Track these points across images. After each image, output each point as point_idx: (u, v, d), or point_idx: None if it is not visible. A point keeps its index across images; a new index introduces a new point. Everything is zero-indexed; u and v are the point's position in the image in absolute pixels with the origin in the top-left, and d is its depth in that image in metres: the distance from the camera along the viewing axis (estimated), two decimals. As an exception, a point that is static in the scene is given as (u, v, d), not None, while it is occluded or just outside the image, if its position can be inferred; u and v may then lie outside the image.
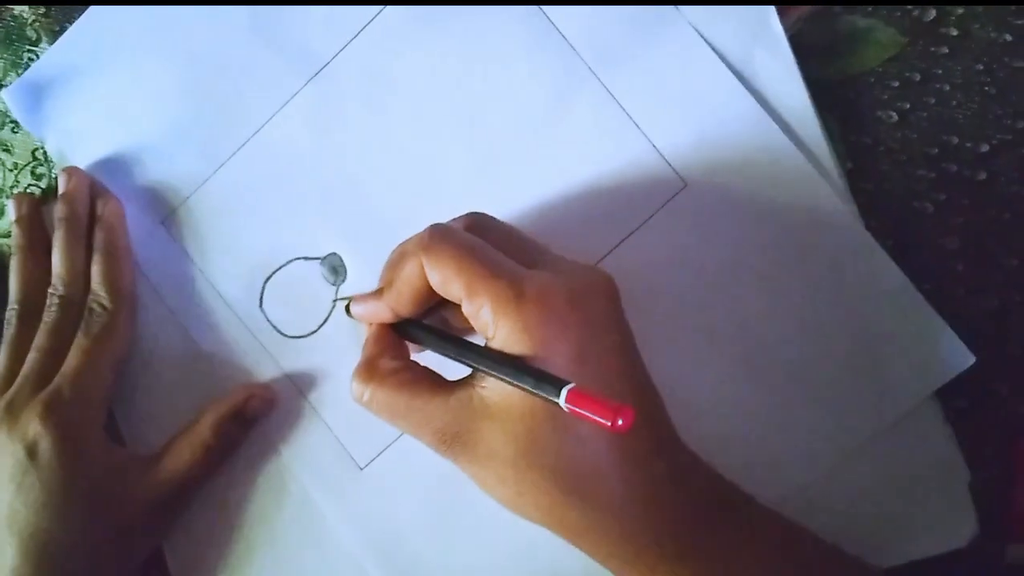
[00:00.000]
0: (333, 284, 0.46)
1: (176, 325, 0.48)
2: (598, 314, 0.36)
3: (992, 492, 0.41)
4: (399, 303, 0.37)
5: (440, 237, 0.36)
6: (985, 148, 0.41)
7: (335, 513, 0.46)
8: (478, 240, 0.36)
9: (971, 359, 0.40)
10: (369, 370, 0.37)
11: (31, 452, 0.43)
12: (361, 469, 0.46)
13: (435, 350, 0.37)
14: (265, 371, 0.47)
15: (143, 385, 0.48)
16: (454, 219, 0.40)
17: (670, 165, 0.43)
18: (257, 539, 0.47)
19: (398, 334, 0.39)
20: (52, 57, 0.49)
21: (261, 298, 0.47)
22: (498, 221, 0.40)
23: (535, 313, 0.34)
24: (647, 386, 0.37)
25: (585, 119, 0.43)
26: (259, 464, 0.47)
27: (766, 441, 0.42)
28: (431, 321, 0.40)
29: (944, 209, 0.41)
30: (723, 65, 0.42)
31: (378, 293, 0.38)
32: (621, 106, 0.43)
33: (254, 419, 0.47)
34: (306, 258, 0.47)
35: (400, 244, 0.39)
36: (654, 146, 0.43)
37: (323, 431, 0.46)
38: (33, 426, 0.43)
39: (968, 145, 0.41)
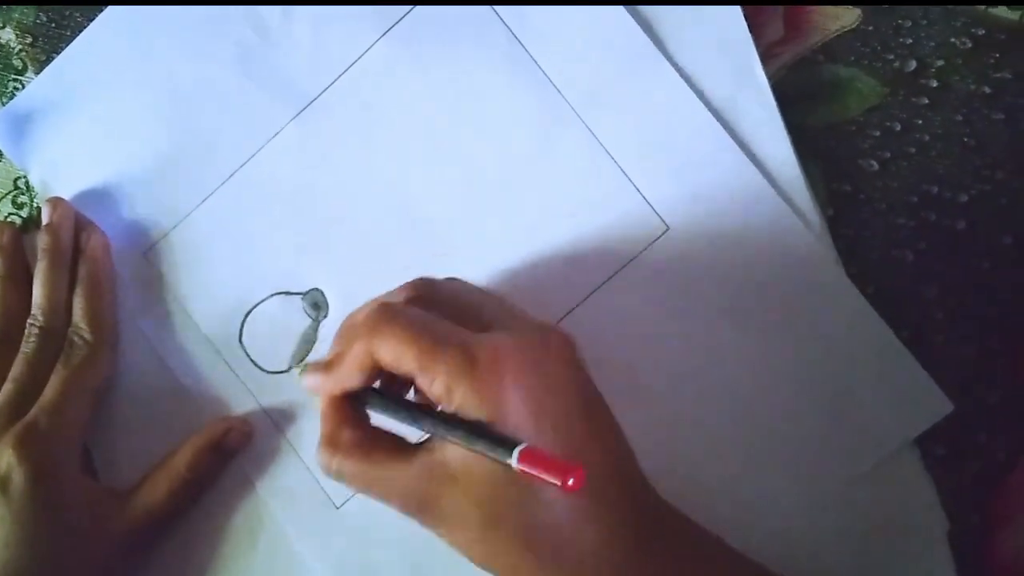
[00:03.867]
0: (315, 320, 0.46)
1: (154, 357, 0.48)
2: (554, 374, 0.36)
3: (971, 541, 0.41)
4: (348, 379, 0.37)
5: (387, 317, 0.36)
6: (964, 198, 0.41)
7: (310, 551, 0.46)
8: (424, 314, 0.36)
9: (949, 407, 0.40)
10: (332, 443, 0.37)
11: (3, 484, 0.42)
12: (337, 508, 0.45)
13: (391, 417, 0.37)
14: (243, 406, 0.47)
15: (120, 418, 0.48)
16: (398, 288, 0.39)
17: (653, 208, 0.43)
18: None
19: (355, 402, 0.39)
20: (36, 88, 0.49)
21: (241, 332, 0.47)
22: (444, 284, 0.40)
23: (489, 378, 0.34)
24: (613, 440, 0.37)
25: (570, 161, 0.44)
26: (234, 500, 0.47)
27: (742, 486, 0.42)
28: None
29: (924, 257, 0.42)
30: (707, 111, 0.42)
31: (328, 366, 0.38)
32: (605, 149, 0.43)
33: (232, 453, 0.46)
34: (287, 293, 0.47)
35: (349, 317, 0.39)
36: (637, 189, 0.43)
37: (300, 469, 0.46)
38: (6, 458, 0.42)
39: (948, 195, 0.41)
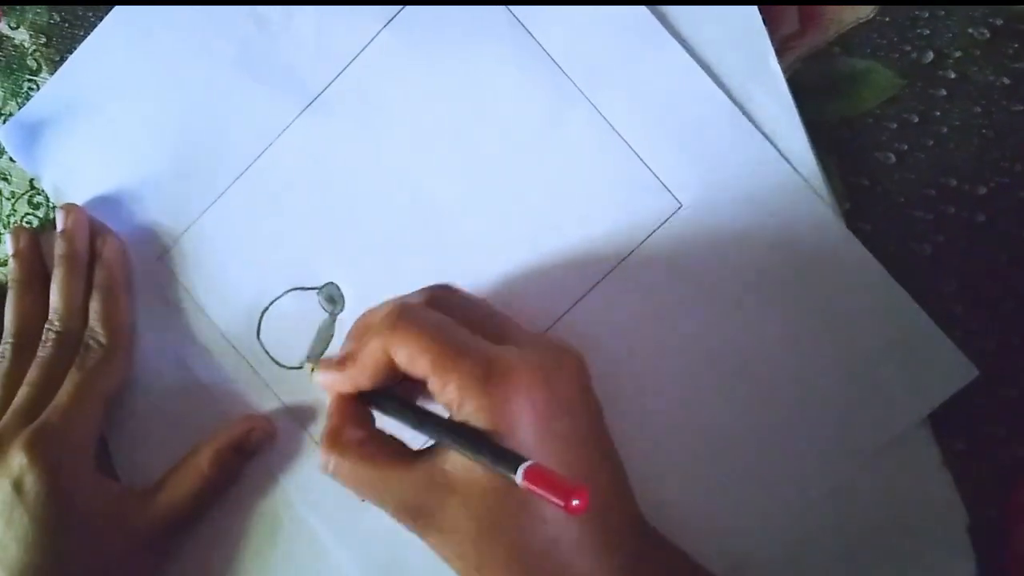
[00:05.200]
0: (331, 313, 0.46)
1: (174, 358, 0.48)
2: (565, 393, 0.36)
3: (991, 535, 0.40)
4: (361, 378, 0.37)
5: (406, 316, 0.36)
6: (983, 190, 0.41)
7: (337, 544, 0.46)
8: (444, 318, 0.36)
9: (974, 372, 0.40)
10: (334, 440, 0.37)
11: (18, 487, 0.43)
12: (362, 500, 0.45)
13: (399, 420, 0.37)
14: (263, 402, 0.47)
15: (140, 419, 0.48)
16: (417, 291, 0.40)
17: (665, 186, 0.43)
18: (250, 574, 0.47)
19: (362, 402, 0.39)
20: (44, 96, 0.49)
21: (259, 329, 0.47)
22: (462, 293, 0.40)
23: (501, 391, 0.34)
24: (612, 467, 0.37)
25: (578, 142, 0.43)
26: (256, 496, 0.47)
27: (761, 472, 0.42)
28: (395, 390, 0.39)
29: (942, 251, 0.41)
30: (714, 84, 0.42)
31: (341, 363, 0.38)
32: (614, 129, 0.43)
33: (254, 451, 0.46)
34: (303, 288, 0.47)
35: (364, 315, 0.39)
36: (648, 168, 0.43)
37: (323, 463, 0.46)
38: (18, 460, 0.43)
39: (966, 187, 0.41)
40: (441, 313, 0.37)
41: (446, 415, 0.36)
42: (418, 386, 0.38)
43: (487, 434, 0.34)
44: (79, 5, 0.50)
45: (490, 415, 0.34)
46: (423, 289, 0.40)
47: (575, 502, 0.29)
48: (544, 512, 0.34)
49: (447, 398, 0.35)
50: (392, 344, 0.35)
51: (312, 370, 0.40)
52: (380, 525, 0.45)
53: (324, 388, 0.39)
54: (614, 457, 0.38)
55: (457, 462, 0.35)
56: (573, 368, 0.38)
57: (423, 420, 0.36)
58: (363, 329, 0.38)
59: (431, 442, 0.37)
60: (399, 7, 0.45)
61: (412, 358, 0.35)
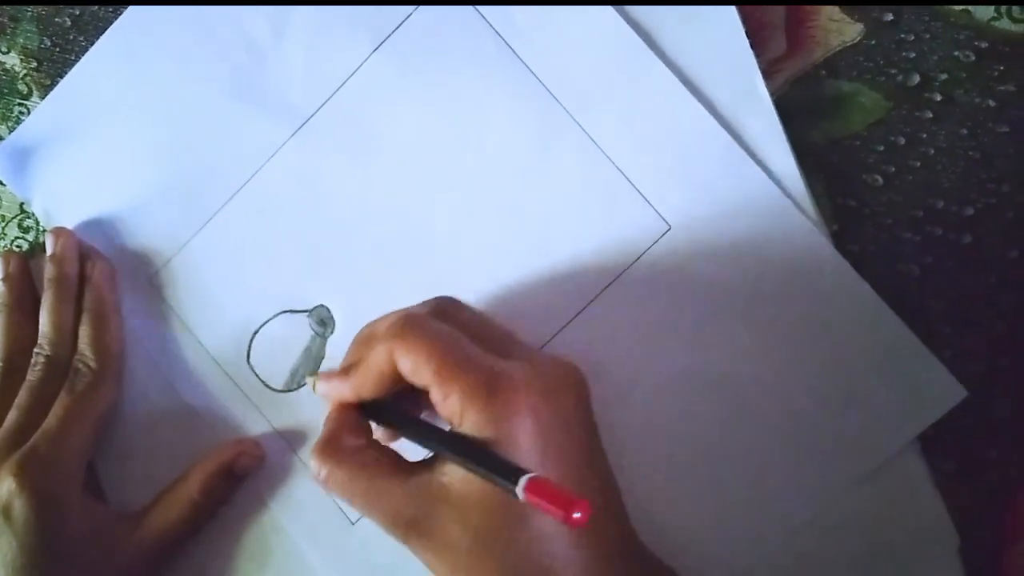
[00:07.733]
0: (322, 336, 0.46)
1: (163, 381, 0.48)
2: (567, 409, 0.36)
3: (982, 557, 0.40)
4: (364, 386, 0.37)
5: (412, 326, 0.36)
6: (970, 211, 0.41)
7: (327, 568, 0.46)
8: (450, 329, 0.36)
9: (963, 393, 0.40)
10: (330, 448, 0.37)
11: (6, 512, 0.42)
12: (352, 524, 0.45)
13: (397, 430, 0.37)
14: (254, 426, 0.47)
15: (129, 442, 0.48)
16: (422, 303, 0.40)
17: (653, 208, 0.43)
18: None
19: (361, 412, 0.39)
20: (35, 121, 0.49)
21: (248, 352, 0.47)
22: (467, 307, 0.41)
23: (504, 405, 0.34)
24: (609, 485, 0.37)
25: (568, 166, 0.44)
26: (246, 520, 0.47)
27: (750, 497, 0.42)
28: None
29: (930, 272, 0.41)
30: (700, 106, 0.42)
31: (344, 373, 0.38)
32: (603, 151, 0.43)
33: (243, 476, 0.46)
34: (293, 311, 0.47)
35: (368, 325, 0.39)
36: (637, 190, 0.43)
37: (313, 486, 0.45)
38: (7, 485, 0.42)
39: (953, 208, 0.41)
40: (447, 324, 0.37)
41: (445, 429, 0.36)
42: (418, 399, 0.38)
43: (488, 446, 0.34)
44: (75, 5, 0.50)
45: (492, 427, 0.34)
46: (429, 300, 0.40)
47: (576, 515, 0.29)
48: (539, 527, 0.34)
49: (449, 409, 0.35)
50: (397, 352, 0.35)
51: (314, 383, 0.39)
52: (371, 550, 0.45)
53: (326, 397, 0.39)
54: (609, 475, 0.38)
55: (454, 473, 0.35)
56: (575, 385, 0.38)
57: (422, 431, 0.36)
58: (367, 338, 0.38)
59: (429, 456, 0.37)
60: (388, 33, 0.45)
61: (416, 367, 0.35)
